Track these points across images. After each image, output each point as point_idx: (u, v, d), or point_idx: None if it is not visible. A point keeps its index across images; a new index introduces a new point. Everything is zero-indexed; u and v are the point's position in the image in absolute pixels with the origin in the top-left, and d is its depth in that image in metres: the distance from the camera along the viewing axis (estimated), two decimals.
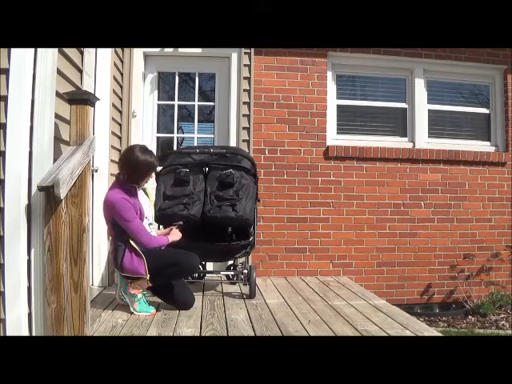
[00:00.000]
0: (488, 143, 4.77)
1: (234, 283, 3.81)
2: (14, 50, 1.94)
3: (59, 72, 2.31)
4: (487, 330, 3.88)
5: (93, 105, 2.36)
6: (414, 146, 4.56)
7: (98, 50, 3.43)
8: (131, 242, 2.77)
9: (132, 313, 2.80)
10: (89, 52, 3.24)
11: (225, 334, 2.45)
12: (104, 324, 2.58)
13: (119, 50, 3.95)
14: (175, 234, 3.01)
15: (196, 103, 4.45)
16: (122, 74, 4.08)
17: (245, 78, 4.28)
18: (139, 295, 2.85)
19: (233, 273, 3.82)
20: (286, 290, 3.68)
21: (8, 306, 1.91)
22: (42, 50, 2.04)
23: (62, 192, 1.89)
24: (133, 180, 2.84)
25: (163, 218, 3.17)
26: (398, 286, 4.42)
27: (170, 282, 2.91)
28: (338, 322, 2.73)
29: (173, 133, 4.46)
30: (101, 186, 3.44)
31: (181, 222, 3.12)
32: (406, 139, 4.61)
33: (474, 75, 4.75)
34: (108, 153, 3.50)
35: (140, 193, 2.98)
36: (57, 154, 2.19)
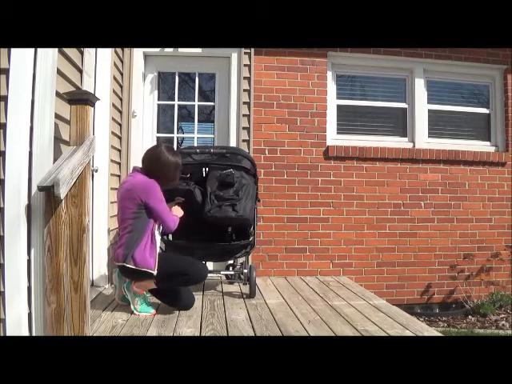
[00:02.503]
0: (488, 143, 4.77)
1: (232, 283, 3.82)
2: (13, 50, 1.93)
3: (59, 72, 2.31)
4: (487, 330, 3.88)
5: (93, 105, 2.36)
6: (414, 146, 4.56)
7: (98, 50, 3.43)
8: (156, 232, 2.76)
9: (132, 312, 2.80)
10: (89, 52, 3.23)
11: (225, 334, 2.45)
12: (104, 324, 2.58)
13: (119, 50, 3.95)
14: (177, 211, 2.99)
15: (196, 103, 4.45)
16: (122, 74, 4.08)
17: (245, 78, 4.28)
18: (141, 296, 2.84)
19: (233, 272, 3.82)
20: (286, 289, 3.68)
21: (8, 305, 1.91)
22: (42, 50, 2.04)
23: (62, 192, 1.89)
24: (162, 180, 2.80)
25: None
26: (398, 285, 4.42)
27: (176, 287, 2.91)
28: (337, 322, 2.73)
29: (173, 133, 4.46)
30: (101, 186, 3.44)
31: (182, 199, 3.12)
32: (406, 139, 4.61)
33: (474, 75, 4.75)
34: (108, 153, 3.50)
35: None
36: (57, 154, 2.19)
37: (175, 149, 2.92)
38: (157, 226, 2.82)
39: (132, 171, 2.95)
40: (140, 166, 2.91)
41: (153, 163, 2.82)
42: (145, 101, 4.35)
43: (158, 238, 2.84)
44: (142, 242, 2.71)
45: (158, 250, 2.87)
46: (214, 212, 3.15)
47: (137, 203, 2.70)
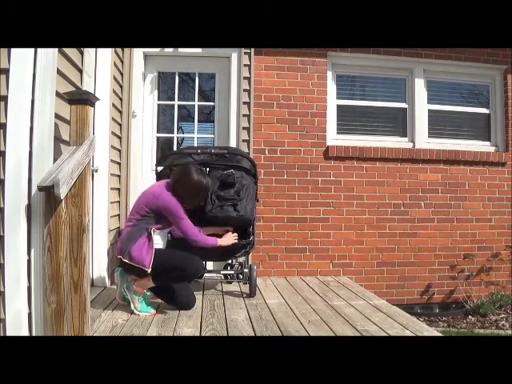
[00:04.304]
0: (488, 143, 4.77)
1: (230, 282, 3.84)
2: (13, 50, 1.94)
3: (59, 72, 2.32)
4: (487, 330, 3.88)
5: (93, 105, 2.36)
6: (414, 146, 4.56)
7: (98, 50, 3.43)
8: (152, 233, 2.79)
9: (132, 312, 2.81)
10: (89, 52, 3.24)
11: (225, 334, 2.45)
12: (104, 324, 2.59)
13: (119, 50, 3.95)
14: (228, 238, 3.09)
15: (196, 103, 4.45)
16: (122, 74, 4.08)
17: (245, 78, 4.28)
18: (141, 295, 2.84)
19: (232, 272, 3.82)
20: (285, 289, 3.68)
21: (8, 305, 1.91)
22: (42, 50, 2.04)
23: (62, 192, 1.89)
24: (185, 199, 2.86)
25: None
26: (398, 285, 4.42)
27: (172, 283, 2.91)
28: (337, 321, 2.73)
29: (173, 133, 4.46)
30: (101, 186, 3.44)
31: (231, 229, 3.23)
32: (406, 139, 4.61)
33: (473, 75, 4.75)
34: (108, 153, 3.50)
35: None
36: (57, 154, 2.19)
37: (201, 169, 3.01)
38: (154, 228, 2.83)
39: (162, 182, 2.99)
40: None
41: (178, 181, 2.88)
42: (145, 101, 4.35)
43: (156, 237, 2.85)
44: (141, 238, 2.76)
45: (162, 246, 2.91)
46: (215, 212, 3.16)
47: (154, 209, 2.81)
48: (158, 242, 2.89)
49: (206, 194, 3.08)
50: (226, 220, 3.19)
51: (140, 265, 2.73)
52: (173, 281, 2.87)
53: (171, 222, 2.87)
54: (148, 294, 2.91)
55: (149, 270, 2.72)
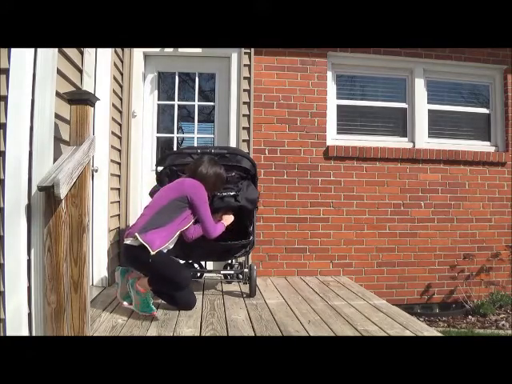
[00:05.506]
0: (488, 143, 4.77)
1: (230, 282, 3.84)
2: (13, 50, 1.94)
3: (59, 72, 2.31)
4: (487, 330, 3.89)
5: (93, 105, 2.36)
6: (414, 146, 4.56)
7: (98, 49, 3.43)
8: (176, 234, 2.81)
9: (132, 312, 2.80)
10: (89, 52, 3.23)
11: (225, 334, 2.45)
12: (104, 324, 2.59)
13: (119, 50, 3.95)
14: (227, 219, 3.16)
15: (196, 103, 4.45)
16: (121, 74, 4.08)
17: (245, 78, 4.28)
18: (143, 295, 2.84)
19: (232, 272, 3.83)
20: (285, 289, 3.68)
21: (8, 305, 1.91)
22: (42, 50, 2.04)
23: (62, 192, 1.89)
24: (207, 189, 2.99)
25: None
26: (398, 285, 4.42)
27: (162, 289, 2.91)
28: (337, 322, 2.73)
29: (173, 133, 4.46)
30: (101, 186, 3.44)
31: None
32: (406, 139, 4.61)
33: (473, 75, 4.75)
34: (108, 153, 3.50)
35: None
36: (57, 154, 2.19)
37: (215, 160, 3.17)
38: (176, 236, 2.83)
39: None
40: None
41: (195, 174, 3.00)
42: (145, 101, 4.35)
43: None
44: (164, 229, 2.74)
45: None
46: (216, 204, 3.18)
47: (181, 195, 2.85)
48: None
49: (224, 182, 3.16)
50: (227, 209, 3.23)
51: (148, 244, 2.65)
52: (162, 287, 2.85)
53: (194, 210, 2.89)
54: (150, 294, 2.90)
55: (153, 253, 2.65)
